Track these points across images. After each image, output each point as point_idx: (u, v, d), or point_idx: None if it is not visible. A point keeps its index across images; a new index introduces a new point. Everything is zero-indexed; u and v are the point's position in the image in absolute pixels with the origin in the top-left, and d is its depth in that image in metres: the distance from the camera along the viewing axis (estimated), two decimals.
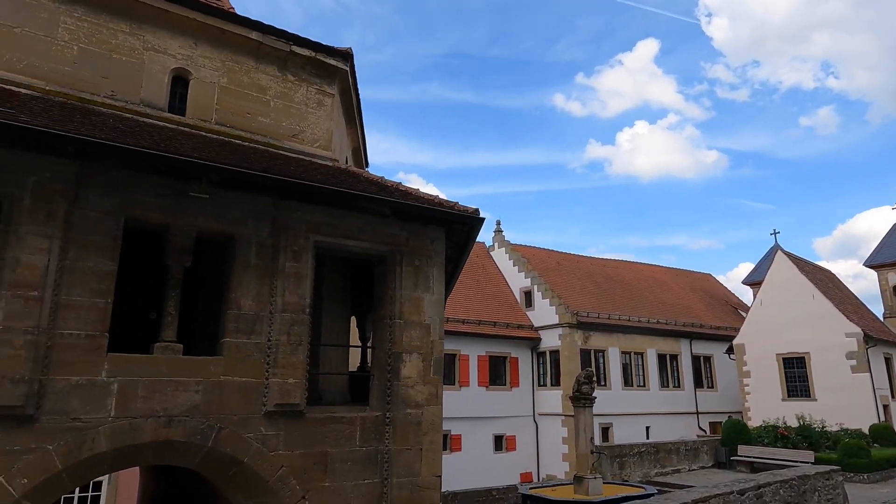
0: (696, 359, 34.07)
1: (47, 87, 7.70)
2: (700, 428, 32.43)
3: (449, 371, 26.30)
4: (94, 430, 5.87)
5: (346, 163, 11.44)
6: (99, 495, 18.48)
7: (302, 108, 9.78)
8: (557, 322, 29.68)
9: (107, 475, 18.71)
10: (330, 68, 10.03)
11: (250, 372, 6.81)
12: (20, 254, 5.71)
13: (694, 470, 25.08)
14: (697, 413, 32.86)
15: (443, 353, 8.26)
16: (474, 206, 8.36)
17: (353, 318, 10.54)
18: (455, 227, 8.64)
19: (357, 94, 11.34)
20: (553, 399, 28.80)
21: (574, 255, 37.58)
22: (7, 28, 7.65)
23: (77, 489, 18.01)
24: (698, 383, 33.83)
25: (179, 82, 8.90)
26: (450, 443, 26.41)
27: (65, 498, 18.08)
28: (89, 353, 5.96)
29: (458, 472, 23.63)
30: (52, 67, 7.86)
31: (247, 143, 8.87)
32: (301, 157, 9.23)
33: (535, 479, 27.45)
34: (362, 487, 7.27)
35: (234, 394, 6.68)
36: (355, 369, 10.35)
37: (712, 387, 34.54)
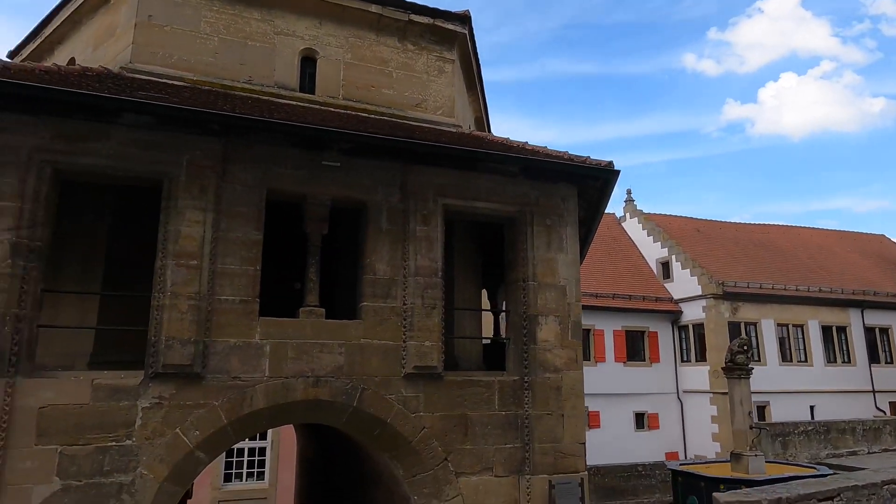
0: (869, 330, 29.98)
1: (195, 78, 8.33)
2: (878, 409, 28.61)
3: (584, 347, 25.52)
4: (251, 389, 6.28)
5: (469, 130, 11.28)
6: (265, 447, 20.32)
7: (423, 77, 9.75)
8: (700, 293, 27.56)
9: (269, 431, 20.58)
10: (448, 33, 9.89)
11: (388, 335, 6.91)
12: (180, 226, 6.21)
13: (874, 453, 22.12)
14: (874, 391, 28.99)
15: (580, 316, 7.85)
16: (608, 160, 7.80)
17: (483, 291, 10.44)
18: (587, 185, 8.14)
19: (477, 59, 11.11)
20: (698, 375, 26.91)
21: (716, 221, 34.63)
22: (159, 27, 8.37)
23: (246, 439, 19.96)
24: (873, 358, 29.77)
25: (308, 62, 9.24)
26: (587, 419, 25.71)
27: (237, 448, 20.22)
28: (244, 317, 6.37)
29: (598, 449, 22.92)
30: (198, 59, 8.49)
31: (373, 116, 9.01)
32: (425, 125, 9.21)
33: (682, 459, 25.92)
34: (504, 452, 7.14)
35: (375, 356, 6.83)
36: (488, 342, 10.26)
37: (891, 362, 30.26)
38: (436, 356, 6.97)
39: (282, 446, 19.85)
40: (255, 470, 20.41)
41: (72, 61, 9.12)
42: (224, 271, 6.37)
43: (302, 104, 8.67)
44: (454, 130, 9.32)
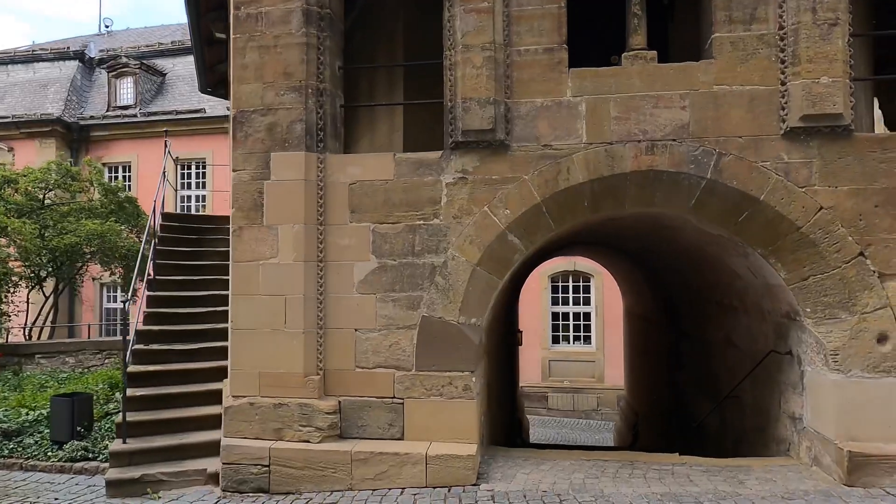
0: None
1: None
2: None
3: None
4: (567, 159, 4.93)
5: None
6: (590, 311, 19.94)
7: None
8: None
9: (592, 295, 20.01)
10: None
11: (755, 76, 4.70)
12: None
13: None
14: None
15: None
16: None
17: None
18: None
19: None
20: None
21: None
22: None
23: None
24: None
25: None
26: None
27: (562, 311, 20.35)
28: (549, 69, 4.96)
29: None
30: None
31: None
32: None
33: None
34: None
35: (735, 108, 4.73)
36: None
37: None
38: (840, 99, 4.49)
39: (606, 310, 19.14)
40: (582, 334, 20.29)
41: None
42: (521, 14, 5.00)
43: None
44: None
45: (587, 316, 20.33)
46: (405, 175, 5.15)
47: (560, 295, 20.75)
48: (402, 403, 5.06)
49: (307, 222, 5.13)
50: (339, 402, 5.13)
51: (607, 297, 18.72)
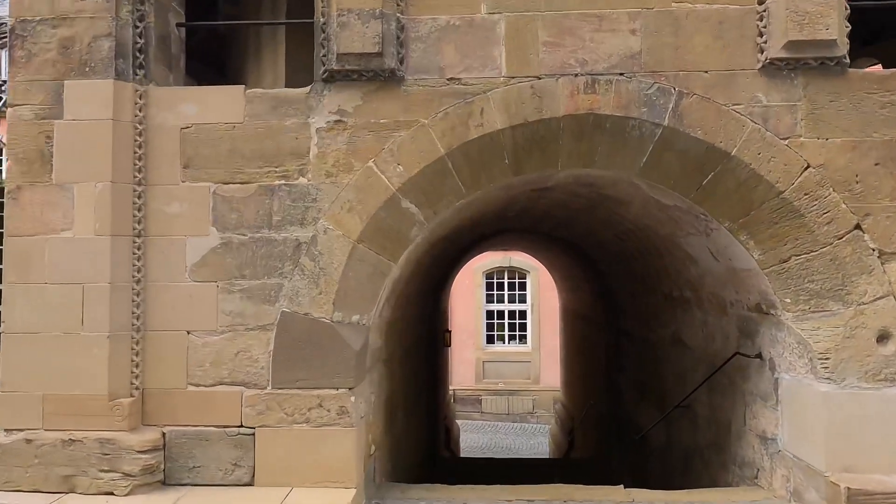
0: None
1: None
2: None
3: None
4: (481, 98, 3.64)
5: None
6: (525, 310, 19.06)
7: None
8: None
9: (528, 293, 19.13)
10: None
11: None
12: None
13: None
14: None
15: None
16: None
17: None
18: None
19: None
20: None
21: None
22: None
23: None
24: None
25: None
26: None
27: (496, 310, 19.28)
28: None
29: None
30: None
31: None
32: None
33: None
34: None
35: (700, 33, 3.58)
36: None
37: None
38: (834, 21, 3.41)
39: (543, 308, 18.22)
40: (518, 333, 19.34)
41: None
42: None
43: None
44: None
45: (523, 314, 19.39)
46: (260, 117, 3.72)
47: (495, 292, 19.74)
48: (253, 434, 3.62)
49: (117, 180, 3.61)
50: (164, 434, 3.64)
51: (544, 293, 17.82)
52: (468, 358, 18.51)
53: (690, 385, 5.28)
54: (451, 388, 15.55)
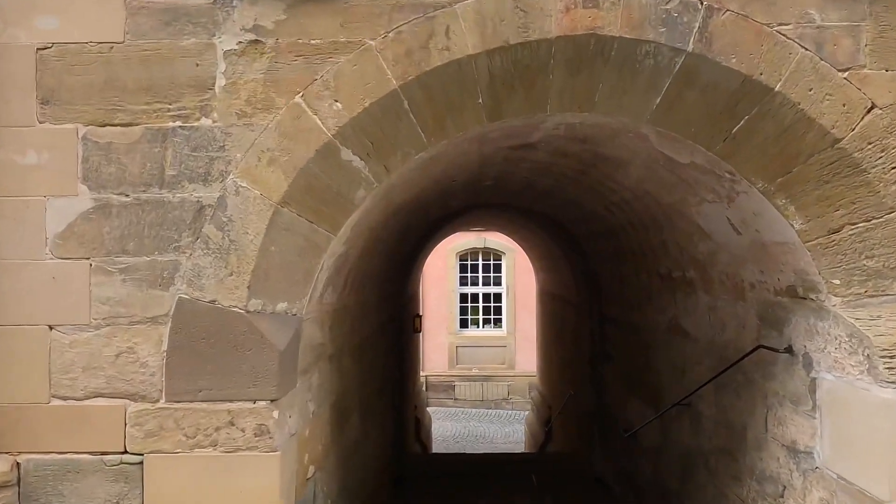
0: None
1: None
2: None
3: None
4: (447, 12, 2.72)
5: None
6: (500, 293, 18.38)
7: None
8: None
9: (503, 273, 18.44)
10: None
11: None
12: None
13: None
14: None
15: None
16: None
17: None
18: None
19: None
20: None
21: None
22: None
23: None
24: None
25: None
26: None
27: (471, 293, 18.45)
28: None
29: None
30: None
31: None
32: None
33: None
34: None
35: None
36: None
37: None
38: None
39: (518, 290, 17.50)
40: (492, 317, 18.63)
41: None
42: None
43: None
44: None
45: (498, 297, 18.68)
46: (148, 35, 2.74)
47: (469, 275, 18.99)
48: (142, 463, 2.70)
49: None
50: (18, 464, 2.70)
51: (520, 276, 17.14)
52: (441, 343, 17.76)
53: (692, 380, 4.54)
54: (422, 374, 14.78)
